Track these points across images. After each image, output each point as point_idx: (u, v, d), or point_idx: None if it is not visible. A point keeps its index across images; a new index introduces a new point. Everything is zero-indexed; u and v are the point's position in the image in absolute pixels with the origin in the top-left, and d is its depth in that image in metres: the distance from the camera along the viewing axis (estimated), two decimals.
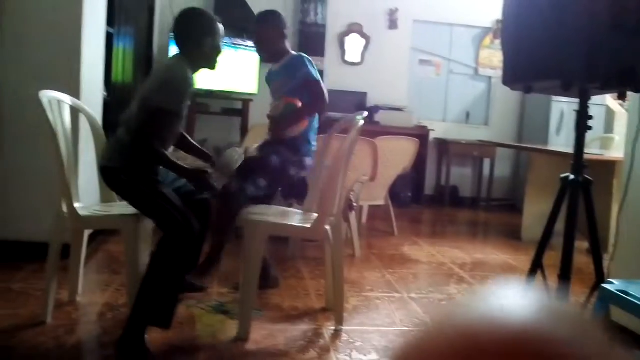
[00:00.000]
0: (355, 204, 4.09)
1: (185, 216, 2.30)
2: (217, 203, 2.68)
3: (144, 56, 5.56)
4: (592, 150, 4.46)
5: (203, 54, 2.48)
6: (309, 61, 2.97)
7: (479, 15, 6.98)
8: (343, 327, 2.67)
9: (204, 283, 2.94)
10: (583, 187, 2.03)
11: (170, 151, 2.56)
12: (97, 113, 3.69)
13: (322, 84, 2.94)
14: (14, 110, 3.36)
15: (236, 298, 2.84)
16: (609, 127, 6.14)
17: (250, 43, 5.32)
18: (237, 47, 5.76)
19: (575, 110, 2.05)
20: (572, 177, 2.04)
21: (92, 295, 2.91)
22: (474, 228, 6.05)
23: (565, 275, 2.04)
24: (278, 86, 3.03)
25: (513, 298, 0.33)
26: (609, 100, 6.03)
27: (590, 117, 2.02)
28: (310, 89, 2.91)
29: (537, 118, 6.76)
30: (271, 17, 3.05)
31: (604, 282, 1.99)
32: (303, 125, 2.92)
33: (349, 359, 2.36)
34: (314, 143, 3.05)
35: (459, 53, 7.19)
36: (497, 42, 6.95)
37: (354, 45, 6.86)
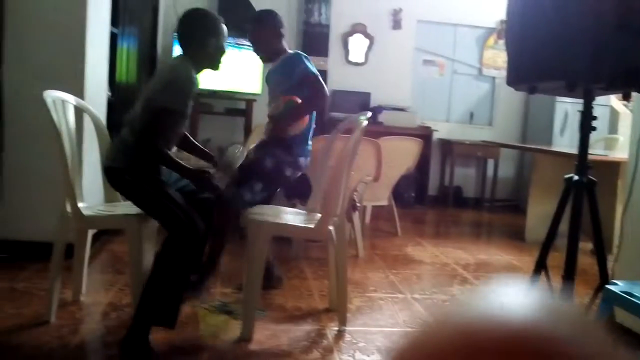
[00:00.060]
0: (358, 204, 4.08)
1: (189, 215, 2.31)
2: (214, 211, 2.64)
3: (148, 56, 5.56)
4: (596, 151, 4.45)
5: (207, 54, 2.48)
6: (306, 58, 2.95)
7: (482, 15, 6.97)
8: (346, 328, 2.67)
9: (200, 293, 2.86)
10: (587, 187, 2.02)
11: (173, 151, 2.56)
12: (101, 113, 3.71)
13: (320, 79, 2.89)
14: (19, 110, 3.37)
15: (239, 298, 2.84)
16: (613, 128, 6.12)
17: None
18: (241, 47, 5.76)
19: (579, 111, 2.05)
20: (576, 177, 2.04)
21: (95, 295, 2.91)
22: (478, 229, 6.04)
23: (569, 276, 2.03)
24: (275, 85, 3.01)
25: (513, 296, 0.33)
26: (613, 100, 6.02)
27: (595, 118, 2.02)
28: (308, 84, 2.87)
29: (541, 118, 6.74)
30: (267, 17, 3.03)
31: (608, 283, 1.99)
32: (304, 122, 2.89)
33: None
34: (310, 142, 3.02)
35: (463, 53, 7.18)
36: (501, 42, 6.94)
37: (357, 45, 6.86)
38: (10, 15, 3.37)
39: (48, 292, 2.53)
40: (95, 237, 2.98)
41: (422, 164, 6.12)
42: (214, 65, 2.55)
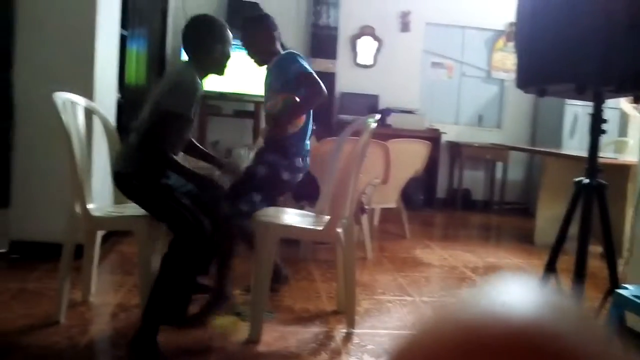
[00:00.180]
0: (367, 207, 4.08)
1: (195, 217, 2.33)
2: (218, 232, 2.63)
3: (157, 58, 5.59)
4: (606, 154, 4.42)
5: (212, 60, 2.52)
6: (299, 56, 2.89)
7: (491, 17, 6.95)
8: (354, 330, 2.66)
9: (224, 306, 2.77)
10: (597, 191, 2.01)
11: (179, 157, 2.58)
12: (111, 115, 3.72)
13: (316, 76, 2.81)
14: (29, 111, 3.40)
15: (247, 300, 2.84)
16: (622, 131, 6.08)
17: None
18: None
19: (589, 114, 2.04)
20: (586, 180, 2.03)
21: (105, 296, 2.92)
22: (486, 231, 6.02)
23: (579, 279, 2.02)
24: (271, 86, 2.96)
25: (515, 294, 0.33)
26: (623, 103, 5.98)
27: (605, 121, 2.01)
28: (304, 82, 2.80)
29: (551, 121, 6.71)
30: (258, 21, 2.96)
31: (618, 287, 1.98)
32: (301, 120, 2.83)
33: None
34: (307, 142, 2.94)
35: (472, 56, 7.17)
36: (510, 44, 6.92)
37: (366, 47, 6.85)
38: (20, 18, 3.39)
39: (57, 292, 2.55)
40: (104, 238, 2.99)
41: (431, 167, 6.11)
42: (220, 71, 2.60)
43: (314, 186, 3.48)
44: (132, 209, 2.60)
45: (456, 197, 6.89)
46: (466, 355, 0.30)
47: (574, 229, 2.06)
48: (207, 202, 2.56)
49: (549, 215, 4.65)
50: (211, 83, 2.74)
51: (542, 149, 5.30)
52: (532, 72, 2.05)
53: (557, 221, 2.17)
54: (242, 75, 5.77)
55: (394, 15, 6.86)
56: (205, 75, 2.56)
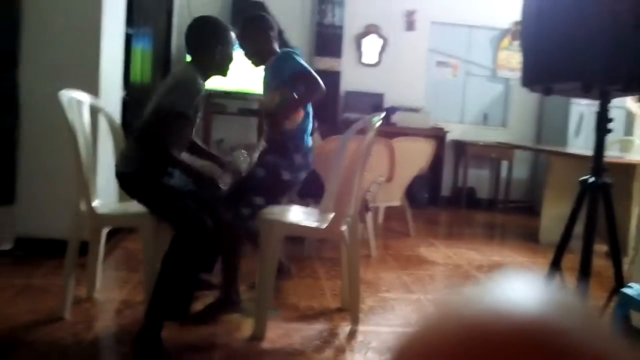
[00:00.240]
0: (371, 205, 4.08)
1: (198, 215, 2.35)
2: (222, 237, 2.63)
3: (162, 56, 5.60)
4: (611, 153, 4.41)
5: (214, 61, 2.54)
6: (295, 54, 2.86)
7: (497, 16, 6.93)
8: (358, 328, 2.67)
9: (237, 308, 2.76)
10: (603, 190, 2.01)
11: (184, 157, 2.59)
12: (116, 113, 3.73)
13: (312, 71, 2.76)
14: (34, 109, 3.41)
15: (252, 297, 2.85)
16: (628, 130, 6.06)
17: None
18: None
19: (595, 112, 2.03)
20: (591, 179, 2.02)
21: (109, 292, 2.94)
22: (491, 230, 6.01)
23: (583, 278, 2.02)
24: (268, 86, 2.93)
25: (519, 290, 0.33)
26: (629, 102, 5.96)
27: (611, 120, 2.00)
28: (300, 78, 2.75)
29: (556, 120, 6.69)
30: (254, 21, 2.92)
31: (623, 287, 1.97)
32: (299, 116, 2.79)
33: (365, 359, 2.36)
34: (308, 138, 2.88)
35: (477, 54, 7.15)
36: (516, 43, 6.90)
37: (371, 46, 6.85)
38: (26, 16, 3.40)
39: (62, 289, 2.56)
40: (109, 235, 3.00)
41: (436, 165, 6.10)
42: (222, 72, 2.62)
43: (318, 184, 3.48)
44: (137, 206, 2.61)
45: (461, 196, 6.88)
46: (470, 350, 0.30)
47: (579, 228, 2.06)
48: (208, 200, 2.57)
49: (554, 213, 4.64)
50: (216, 81, 2.75)
51: (547, 148, 5.29)
52: (538, 70, 2.05)
53: (562, 220, 2.16)
54: (246, 73, 5.77)
55: (399, 14, 6.84)
56: (208, 76, 2.58)
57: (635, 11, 1.74)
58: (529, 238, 5.12)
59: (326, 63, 6.51)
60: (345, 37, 6.69)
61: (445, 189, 7.01)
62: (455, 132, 6.92)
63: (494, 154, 6.89)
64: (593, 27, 1.81)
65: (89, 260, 2.80)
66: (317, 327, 2.68)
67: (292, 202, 3.31)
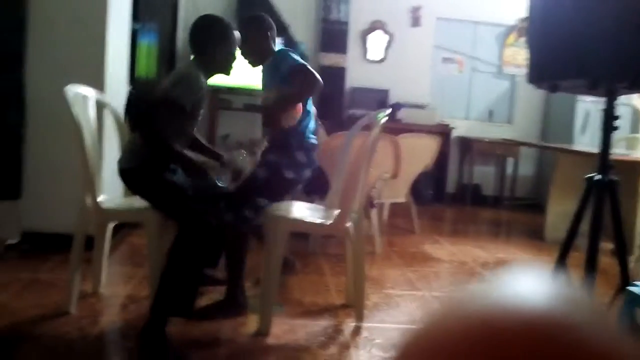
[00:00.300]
0: (376, 201, 4.08)
1: (200, 209, 2.36)
2: (225, 235, 2.63)
3: (168, 51, 5.60)
4: (617, 151, 4.39)
5: (215, 60, 2.56)
6: (291, 51, 2.84)
7: (503, 12, 6.90)
8: (363, 324, 2.67)
9: (245, 306, 2.77)
10: (609, 187, 2.00)
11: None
12: (122, 108, 3.73)
13: (308, 66, 2.71)
14: (40, 104, 3.42)
15: (257, 292, 2.85)
16: (634, 127, 6.04)
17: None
18: None
19: (601, 110, 2.02)
20: (597, 177, 2.01)
21: (115, 287, 2.95)
22: (496, 227, 6.00)
23: (589, 276, 2.01)
24: (266, 86, 2.90)
25: (527, 286, 0.33)
26: (636, 100, 5.93)
27: (617, 117, 1.99)
28: (297, 74, 2.70)
29: (562, 117, 6.67)
30: (251, 22, 2.89)
31: (629, 285, 1.97)
32: (297, 112, 2.73)
33: (369, 356, 2.36)
34: (310, 135, 2.84)
35: (483, 51, 7.13)
36: (522, 39, 6.87)
37: (376, 42, 6.83)
38: (32, 12, 3.41)
39: (68, 283, 2.57)
40: (115, 230, 3.01)
41: (441, 162, 6.09)
42: (224, 71, 2.64)
43: (324, 180, 3.48)
44: (142, 201, 2.62)
45: (466, 192, 6.87)
46: (478, 344, 0.30)
47: (584, 226, 2.05)
48: (210, 195, 2.57)
49: (559, 211, 4.62)
50: (222, 77, 2.75)
51: (553, 145, 5.27)
52: (544, 67, 2.04)
53: (568, 217, 2.16)
54: (252, 69, 5.77)
55: (405, 9, 6.83)
56: (210, 74, 2.59)
57: None
58: (535, 235, 5.12)
59: (331, 59, 6.50)
60: (351, 33, 6.68)
61: (451, 186, 7.00)
62: (460, 128, 6.91)
63: (499, 151, 6.87)
64: (600, 24, 1.80)
65: (94, 255, 2.81)
66: (321, 323, 2.68)
67: (297, 198, 3.30)
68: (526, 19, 2.17)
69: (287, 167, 2.72)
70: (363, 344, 2.48)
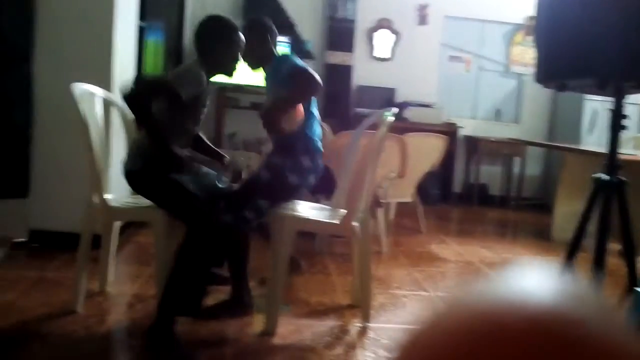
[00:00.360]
0: (383, 201, 4.07)
1: (208, 208, 2.35)
2: (231, 240, 2.63)
3: (175, 49, 5.61)
4: (625, 150, 4.36)
5: (216, 61, 2.55)
6: (291, 55, 2.82)
7: (510, 11, 6.88)
8: (369, 324, 2.67)
9: (250, 307, 2.76)
10: (617, 187, 1.99)
11: (185, 152, 2.59)
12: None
13: (309, 68, 2.63)
14: (48, 102, 3.43)
15: (263, 292, 2.86)
16: None
17: (280, 39, 5.29)
18: None
19: (609, 109, 2.01)
20: (605, 177, 2.00)
21: (122, 286, 2.95)
22: (503, 227, 5.98)
23: (597, 277, 2.00)
24: (269, 90, 2.87)
25: (534, 282, 0.33)
26: None
27: (625, 117, 1.98)
28: (297, 76, 2.63)
29: (569, 116, 6.64)
30: (251, 25, 2.86)
31: (636, 286, 1.95)
32: (299, 116, 2.65)
33: (375, 356, 2.36)
34: (315, 139, 2.77)
35: (490, 49, 7.11)
36: (529, 38, 6.84)
37: (383, 40, 6.82)
38: (40, 10, 3.42)
39: (75, 282, 2.58)
40: (122, 229, 3.02)
41: (447, 161, 6.07)
42: (226, 72, 2.62)
43: (330, 180, 3.48)
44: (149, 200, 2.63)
45: (473, 192, 6.85)
46: (483, 339, 0.29)
47: (592, 226, 2.04)
48: (212, 193, 2.57)
49: (566, 211, 4.61)
50: (224, 77, 2.75)
51: (560, 145, 5.25)
52: (552, 66, 2.03)
53: (575, 217, 2.15)
54: (251, 72, 5.77)
55: (412, 8, 6.81)
56: (212, 75, 2.58)
57: None
58: (541, 236, 5.10)
59: (338, 57, 6.49)
60: (358, 31, 6.67)
61: (457, 186, 6.99)
62: (467, 127, 6.89)
63: (506, 150, 6.85)
64: (608, 23, 1.78)
65: (101, 254, 2.82)
66: (328, 323, 2.68)
67: (302, 198, 3.30)
68: (534, 17, 2.16)
69: (291, 171, 2.65)
70: (369, 344, 2.48)
